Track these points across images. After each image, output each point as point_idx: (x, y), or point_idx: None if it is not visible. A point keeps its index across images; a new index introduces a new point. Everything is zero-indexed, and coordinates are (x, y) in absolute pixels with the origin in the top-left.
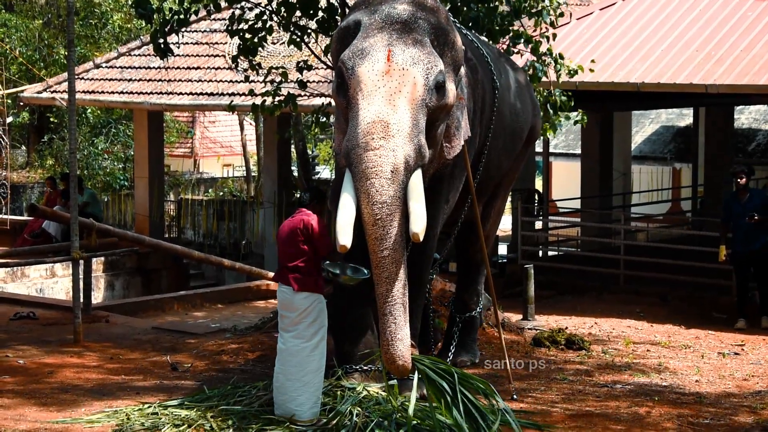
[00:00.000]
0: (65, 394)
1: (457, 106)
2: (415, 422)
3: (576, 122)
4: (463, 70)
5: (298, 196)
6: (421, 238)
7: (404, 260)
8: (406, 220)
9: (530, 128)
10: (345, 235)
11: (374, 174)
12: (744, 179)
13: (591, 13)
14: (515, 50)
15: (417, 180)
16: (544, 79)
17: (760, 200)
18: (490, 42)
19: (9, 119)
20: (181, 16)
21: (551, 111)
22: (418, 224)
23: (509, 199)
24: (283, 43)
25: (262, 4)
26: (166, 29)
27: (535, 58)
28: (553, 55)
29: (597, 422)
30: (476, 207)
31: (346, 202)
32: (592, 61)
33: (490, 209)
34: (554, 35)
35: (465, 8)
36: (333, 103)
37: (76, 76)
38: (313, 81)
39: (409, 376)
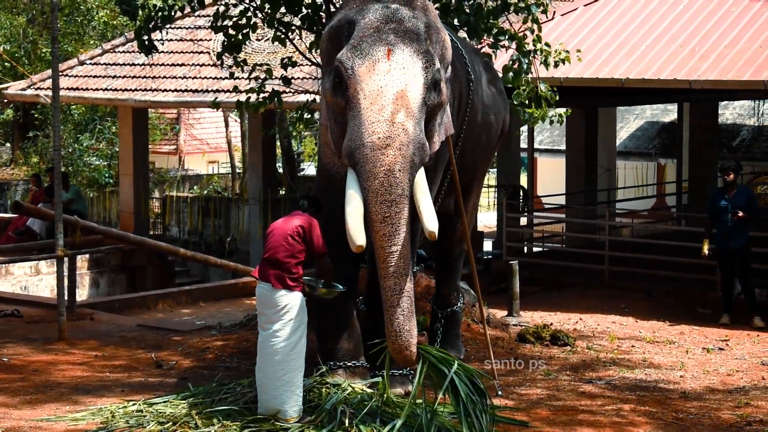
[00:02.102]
0: (50, 391)
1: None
2: (402, 420)
3: (552, 122)
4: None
5: (299, 203)
6: (436, 236)
7: (410, 255)
8: (411, 215)
9: (502, 121)
10: (359, 235)
11: (382, 173)
12: (732, 176)
13: (575, 9)
14: (501, 46)
15: (421, 178)
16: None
17: (746, 197)
18: (473, 39)
19: None
20: (166, 13)
21: (535, 105)
22: (432, 223)
23: (495, 194)
24: (268, 39)
25: (247, 1)
26: (151, 26)
27: (519, 54)
28: (538, 46)
29: (582, 418)
30: (460, 200)
31: (353, 202)
32: (578, 51)
33: (464, 203)
34: (539, 28)
35: (455, 11)
36: (318, 100)
37: (61, 73)
38: (298, 77)
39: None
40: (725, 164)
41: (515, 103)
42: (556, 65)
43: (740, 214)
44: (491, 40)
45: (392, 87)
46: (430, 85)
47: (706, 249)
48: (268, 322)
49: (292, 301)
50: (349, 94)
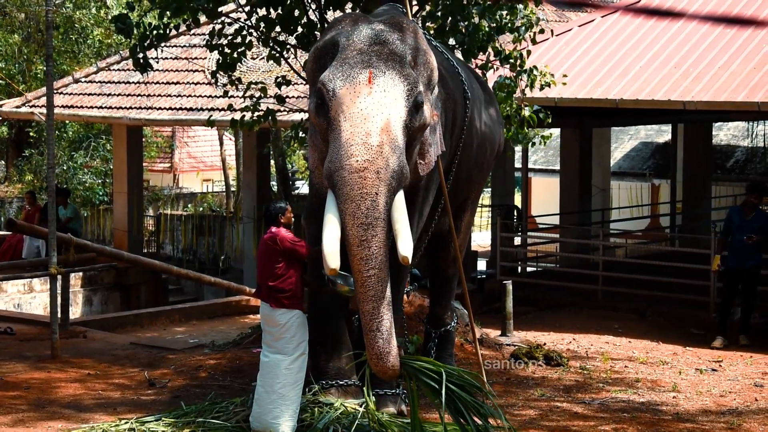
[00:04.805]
0: (42, 409)
1: (431, 123)
2: None
3: (533, 144)
4: (436, 86)
5: (264, 218)
6: (410, 261)
7: (389, 278)
8: (389, 239)
9: (498, 140)
10: (333, 258)
11: (359, 196)
12: (757, 199)
13: (570, 30)
14: (493, 66)
15: (400, 201)
16: (518, 94)
17: (763, 221)
18: (468, 59)
19: None
20: (161, 31)
21: (518, 126)
22: (407, 248)
23: (489, 214)
24: (263, 58)
25: (242, 20)
26: (146, 44)
27: (512, 74)
28: (525, 67)
29: None
30: (451, 220)
31: (330, 224)
32: (565, 75)
33: (459, 222)
34: (528, 52)
35: (450, 30)
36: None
37: (55, 91)
38: (293, 96)
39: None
40: (756, 185)
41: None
42: (541, 88)
43: (754, 238)
44: (484, 59)
45: (372, 110)
46: (411, 108)
47: (716, 265)
48: (274, 339)
49: (292, 318)
50: (330, 116)
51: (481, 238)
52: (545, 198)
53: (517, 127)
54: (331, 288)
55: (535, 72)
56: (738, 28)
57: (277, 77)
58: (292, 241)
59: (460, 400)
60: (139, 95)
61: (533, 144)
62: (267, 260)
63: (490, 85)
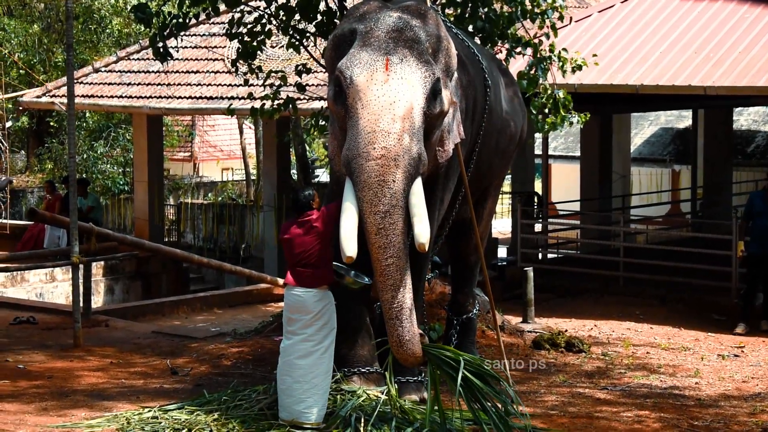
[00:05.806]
0: (65, 398)
1: (450, 110)
2: (416, 425)
3: (571, 124)
4: (455, 73)
5: (295, 206)
6: (427, 249)
7: (408, 266)
8: (408, 226)
9: (520, 128)
10: (350, 246)
11: (376, 183)
12: None
13: (589, 16)
14: (517, 52)
15: (418, 189)
16: (550, 79)
17: None
18: (488, 46)
19: (8, 123)
20: (180, 20)
21: (553, 111)
22: (424, 235)
23: (509, 201)
24: (282, 46)
25: (261, 8)
26: (165, 33)
27: (534, 61)
28: (556, 52)
29: (597, 425)
30: (472, 207)
31: (348, 212)
32: (595, 55)
33: (481, 210)
34: (555, 33)
35: (470, 16)
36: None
37: (76, 81)
38: (312, 84)
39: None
40: None
41: (533, 110)
42: (573, 71)
43: None
44: (506, 47)
45: (390, 97)
46: (429, 95)
47: (741, 250)
48: (300, 327)
49: (325, 306)
50: (348, 104)
51: (501, 225)
52: (566, 184)
53: (552, 112)
54: (338, 280)
55: (564, 55)
56: (762, 8)
57: (296, 65)
58: (325, 216)
59: (477, 388)
60: (159, 84)
61: (571, 124)
62: (304, 242)
63: (514, 72)
